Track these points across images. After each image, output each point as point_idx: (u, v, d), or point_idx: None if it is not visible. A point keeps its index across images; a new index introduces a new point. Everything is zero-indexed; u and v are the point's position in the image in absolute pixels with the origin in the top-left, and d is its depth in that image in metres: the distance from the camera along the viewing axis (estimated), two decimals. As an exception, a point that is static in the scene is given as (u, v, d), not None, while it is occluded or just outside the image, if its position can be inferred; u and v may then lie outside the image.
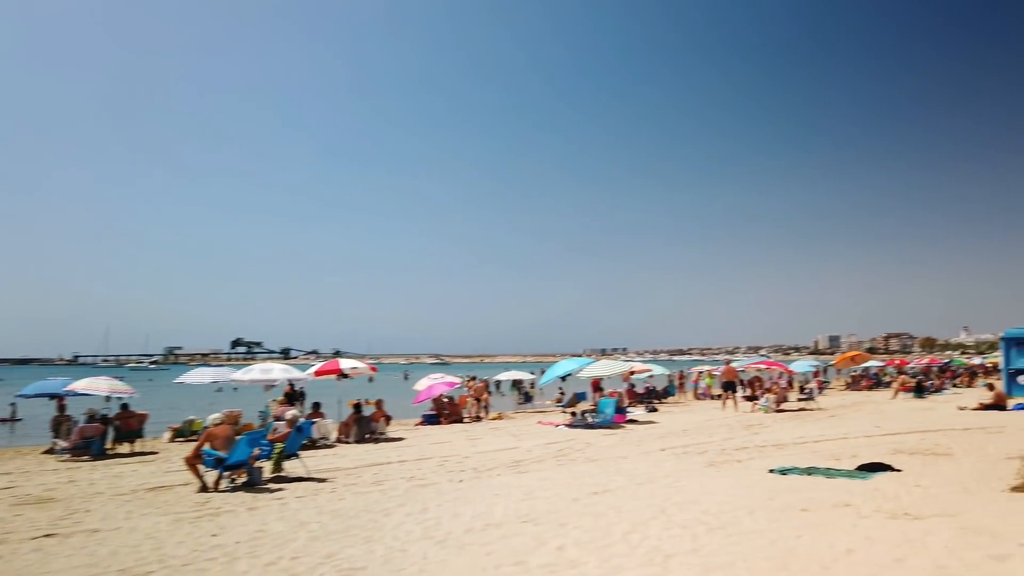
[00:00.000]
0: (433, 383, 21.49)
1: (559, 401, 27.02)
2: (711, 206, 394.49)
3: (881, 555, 5.47)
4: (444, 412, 20.77)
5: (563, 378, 20.85)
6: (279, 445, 10.82)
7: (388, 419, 16.84)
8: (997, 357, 57.21)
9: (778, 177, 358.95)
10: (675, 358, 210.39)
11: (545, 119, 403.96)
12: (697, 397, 31.85)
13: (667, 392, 31.33)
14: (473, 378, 42.68)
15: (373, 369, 19.90)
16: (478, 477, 10.26)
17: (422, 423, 20.37)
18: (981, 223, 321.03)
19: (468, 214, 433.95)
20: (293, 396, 20.64)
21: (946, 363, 49.73)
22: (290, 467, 11.09)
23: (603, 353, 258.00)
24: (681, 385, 33.40)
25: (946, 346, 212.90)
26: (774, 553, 5.66)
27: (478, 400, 23.33)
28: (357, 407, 16.31)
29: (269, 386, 18.23)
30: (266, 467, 10.80)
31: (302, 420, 11.62)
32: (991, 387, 20.61)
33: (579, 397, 25.54)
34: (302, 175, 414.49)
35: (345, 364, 18.55)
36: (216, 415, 10.76)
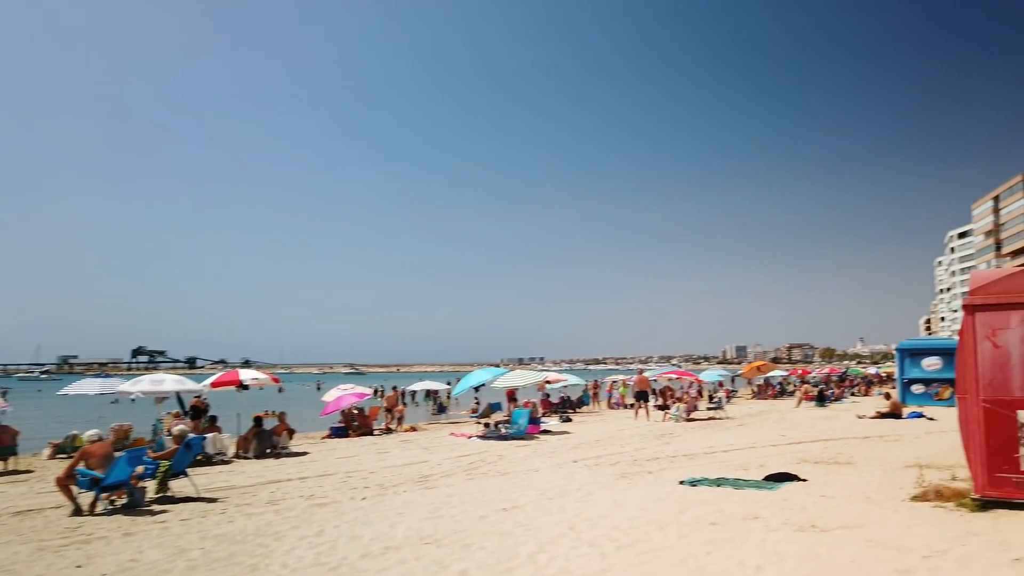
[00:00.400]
0: (342, 394, 20.69)
1: (475, 412, 26.59)
2: (626, 221, 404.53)
3: (791, 571, 5.32)
4: (353, 424, 20.00)
5: (477, 388, 20.46)
6: (165, 463, 9.95)
7: (291, 432, 15.98)
8: (891, 367, 60.52)
9: (686, 195, 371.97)
10: (591, 367, 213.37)
11: (457, 129, 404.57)
12: (611, 406, 32.08)
13: (582, 402, 31.40)
14: (383, 388, 41.87)
15: (276, 380, 18.93)
16: (382, 494, 9.72)
17: (330, 436, 19.54)
18: (876, 243, 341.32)
19: (382, 223, 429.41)
20: (200, 410, 19.49)
21: (844, 372, 52.17)
22: (178, 487, 10.21)
23: (520, 362, 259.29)
24: (595, 395, 33.56)
25: (844, 356, 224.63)
26: (684, 572, 5.43)
27: (390, 411, 22.64)
28: (257, 420, 15.41)
29: (161, 398, 17.00)
30: (151, 487, 9.92)
31: (191, 435, 10.74)
32: (888, 396, 21.53)
33: (493, 408, 25.21)
34: (208, 182, 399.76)
35: (245, 375, 17.56)
36: (93, 431, 9.83)
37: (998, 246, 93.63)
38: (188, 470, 10.79)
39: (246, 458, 14.73)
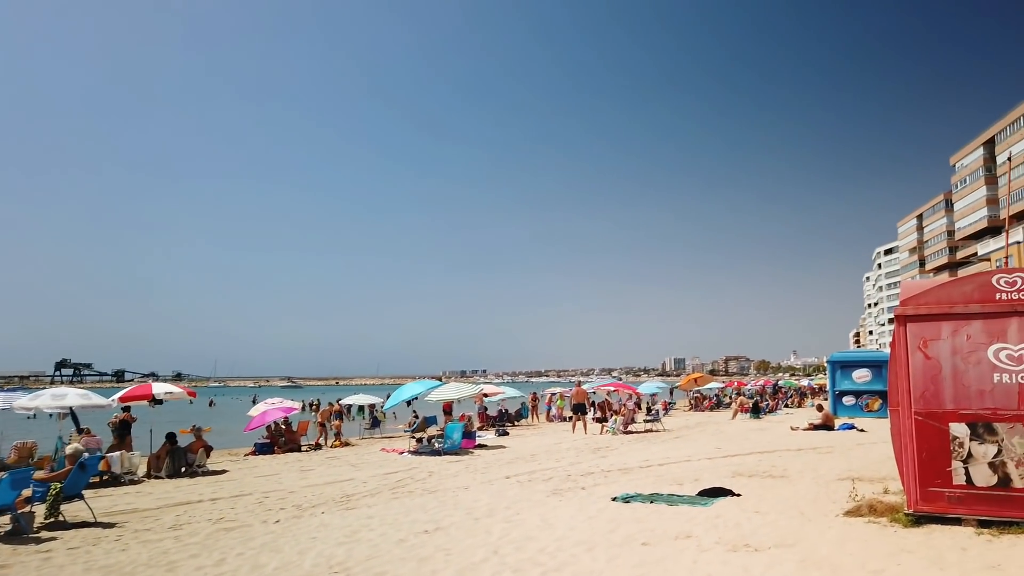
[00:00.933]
0: (268, 409, 19.75)
1: (411, 426, 25.85)
2: (566, 234, 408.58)
3: (723, 597, 4.98)
4: (279, 440, 19.10)
5: (409, 402, 19.81)
6: (56, 485, 9.07)
7: (208, 449, 15.04)
8: (823, 379, 62.08)
9: (628, 211, 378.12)
10: (533, 380, 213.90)
11: (406, 140, 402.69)
12: (549, 419, 31.78)
13: (520, 415, 31.01)
14: (318, 402, 40.71)
15: (191, 394, 17.90)
16: (298, 516, 9.05)
17: (253, 453, 18.61)
18: (808, 259, 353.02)
19: (321, 231, 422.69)
20: (129, 425, 18.32)
21: (776, 384, 53.21)
22: (73, 510, 9.34)
23: (462, 375, 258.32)
24: (535, 408, 33.22)
25: (778, 369, 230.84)
26: (610, 601, 5.02)
27: (323, 426, 21.77)
28: (171, 437, 14.45)
29: (63, 414, 15.81)
30: (40, 511, 9.02)
31: (86, 455, 9.86)
32: (820, 408, 21.79)
33: (429, 421, 24.53)
34: (138, 189, 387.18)
35: (158, 388, 16.51)
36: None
37: (922, 262, 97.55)
38: (89, 492, 9.93)
39: (158, 477, 13.77)
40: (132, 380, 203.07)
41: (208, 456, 14.97)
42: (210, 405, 63.01)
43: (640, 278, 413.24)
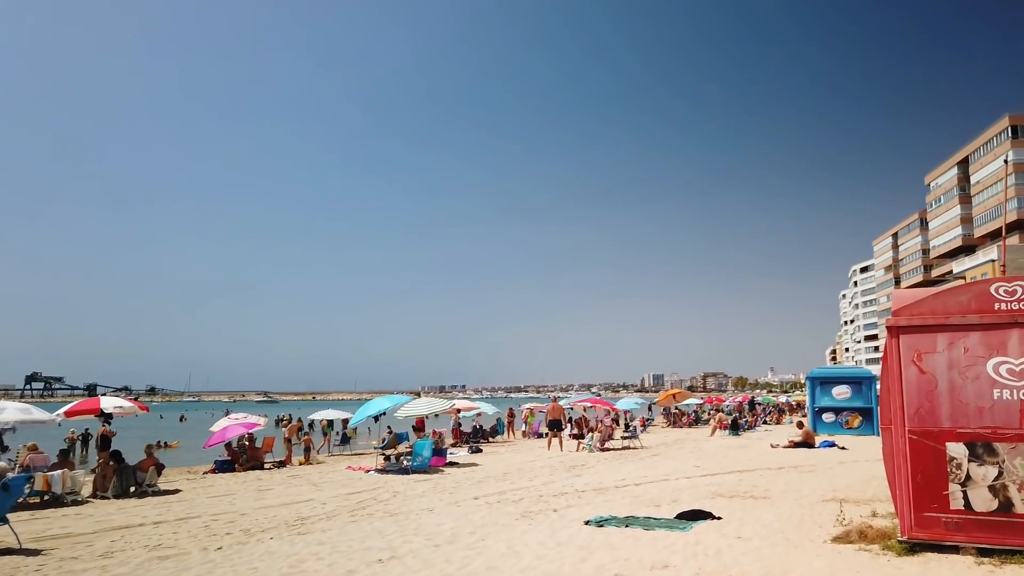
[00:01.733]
0: (231, 424, 18.92)
1: (383, 442, 25.01)
2: (547, 250, 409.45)
3: (704, 642, 4.37)
4: (241, 458, 18.25)
5: (376, 418, 19.06)
6: (-24, 509, 8.27)
7: (160, 467, 14.17)
8: (800, 395, 61.98)
9: (608, 228, 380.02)
10: (512, 395, 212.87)
11: (385, 154, 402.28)
12: (525, 436, 31.10)
13: (496, 431, 30.30)
14: (290, 417, 39.62)
15: (143, 408, 17.07)
16: (243, 543, 8.32)
17: (213, 471, 17.74)
18: (786, 276, 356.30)
19: (299, 246, 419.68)
20: (108, 439, 17.59)
21: (753, 400, 52.93)
22: (-3, 536, 8.55)
23: (442, 390, 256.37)
24: (511, 423, 32.53)
25: (756, 385, 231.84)
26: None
27: (289, 442, 20.93)
28: (116, 455, 13.61)
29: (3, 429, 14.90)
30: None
31: (10, 475, 9.06)
32: (800, 425, 21.33)
33: (401, 438, 23.72)
34: (112, 202, 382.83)
35: (107, 403, 15.64)
36: None
37: (897, 280, 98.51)
38: (25, 514, 9.13)
39: (104, 498, 12.91)
40: (104, 394, 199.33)
41: (160, 474, 14.11)
42: (181, 420, 61.62)
43: (619, 294, 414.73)
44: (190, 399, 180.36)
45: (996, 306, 6.51)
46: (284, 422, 37.24)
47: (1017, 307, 6.40)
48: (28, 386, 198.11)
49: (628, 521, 8.73)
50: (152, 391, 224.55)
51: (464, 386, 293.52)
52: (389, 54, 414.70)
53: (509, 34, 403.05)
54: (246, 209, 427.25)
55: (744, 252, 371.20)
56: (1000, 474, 6.16)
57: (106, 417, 15.34)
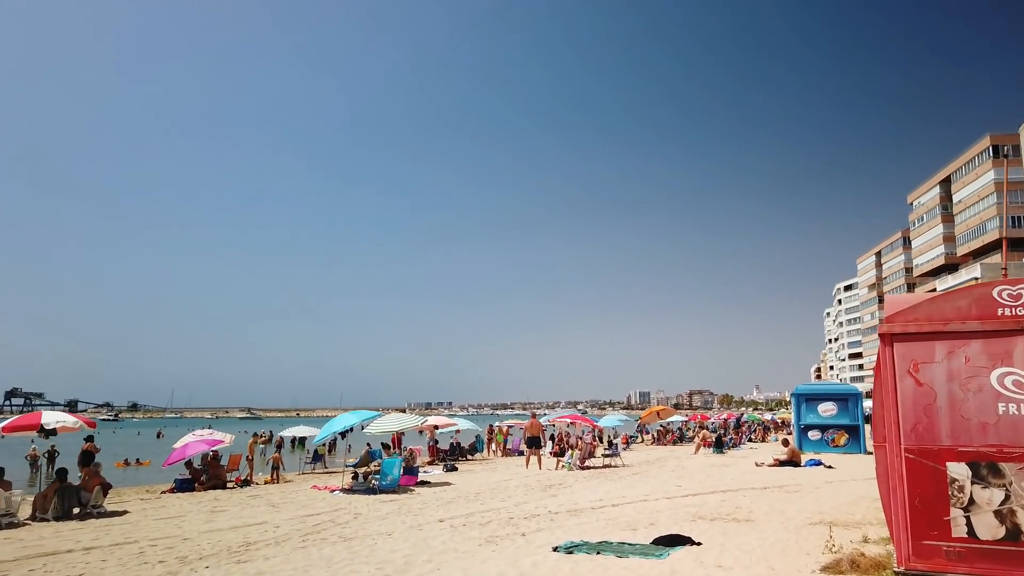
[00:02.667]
0: (193, 440, 18.02)
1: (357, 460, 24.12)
2: (533, 268, 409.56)
3: None
4: (202, 476, 17.35)
5: (342, 434, 18.23)
6: None
7: (106, 487, 13.26)
8: (786, 413, 61.49)
9: (594, 245, 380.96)
10: (498, 412, 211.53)
11: (373, 169, 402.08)
12: (506, 453, 30.25)
13: (475, 448, 29.45)
14: (267, 434, 38.54)
15: (91, 424, 16.17)
16: (174, 572, 7.52)
17: (172, 490, 16.83)
18: (769, 294, 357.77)
19: (281, 261, 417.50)
20: (91, 455, 17.11)
21: (739, 418, 52.39)
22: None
23: (428, 407, 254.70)
24: (490, 440, 31.69)
25: (741, 403, 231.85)
26: None
27: (250, 460, 20.05)
28: (60, 473, 12.74)
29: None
30: None
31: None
32: (786, 443, 20.72)
33: (374, 455, 22.88)
34: (96, 217, 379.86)
35: (49, 418, 14.69)
36: None
37: (880, 299, 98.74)
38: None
39: (44, 519, 12.00)
40: (85, 410, 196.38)
41: (106, 494, 13.20)
42: (158, 436, 60.21)
43: (606, 312, 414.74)
44: (172, 415, 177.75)
45: (1000, 311, 5.90)
46: (261, 439, 36.16)
47: (1023, 312, 5.81)
48: (8, 402, 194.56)
49: (600, 547, 8.02)
50: (134, 407, 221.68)
51: (450, 403, 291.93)
52: (379, 63, 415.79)
53: (504, 45, 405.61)
54: (230, 225, 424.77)
55: (730, 271, 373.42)
56: (1007, 498, 5.52)
57: (47, 433, 14.43)
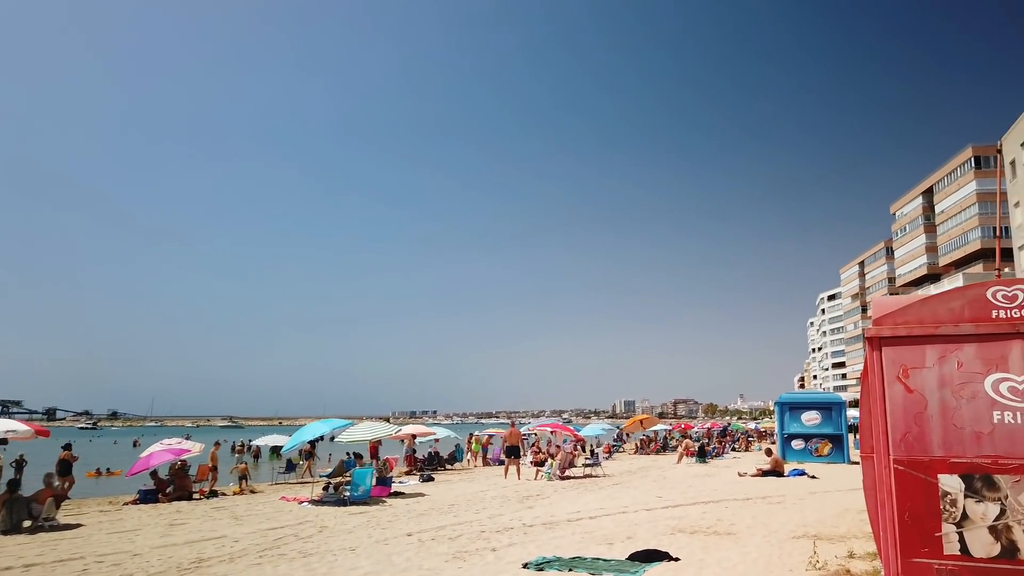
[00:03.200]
0: (159, 449, 17.41)
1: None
2: (523, 278, 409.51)
3: None
4: (167, 487, 16.72)
5: (313, 443, 17.66)
6: None
7: (60, 499, 12.65)
8: (769, 422, 61.32)
9: (584, 255, 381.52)
10: (483, 421, 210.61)
11: (360, 175, 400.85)
12: (487, 463, 29.75)
13: (454, 458, 28.92)
14: (245, 443, 37.78)
15: (43, 433, 15.56)
16: (115, 592, 7.00)
17: (135, 501, 16.19)
18: (754, 304, 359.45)
19: (270, 270, 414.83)
20: (69, 464, 17.42)
21: (725, 427, 52.16)
22: None
23: (412, 415, 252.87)
24: (470, 449, 31.18)
25: (725, 412, 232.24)
26: None
27: (214, 469, 19.43)
28: (11, 484, 12.14)
29: None
30: None
31: None
32: (769, 452, 20.37)
33: (347, 465, 22.27)
34: (77, 224, 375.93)
35: (-3, 426, 14.08)
36: None
37: (864, 308, 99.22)
38: None
39: (-8, 534, 11.39)
40: (63, 418, 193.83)
41: (58, 506, 12.58)
42: (135, 445, 59.07)
43: (592, 322, 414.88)
44: (152, 424, 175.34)
45: (994, 313, 5.53)
46: (240, 449, 35.36)
47: (1019, 315, 5.44)
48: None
49: (573, 563, 7.57)
50: (114, 415, 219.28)
51: (435, 411, 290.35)
52: (373, 68, 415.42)
53: (501, 50, 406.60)
54: (216, 233, 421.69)
55: (716, 281, 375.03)
56: (1003, 512, 5.12)
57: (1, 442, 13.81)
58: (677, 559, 7.67)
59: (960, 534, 5.19)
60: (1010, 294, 5.57)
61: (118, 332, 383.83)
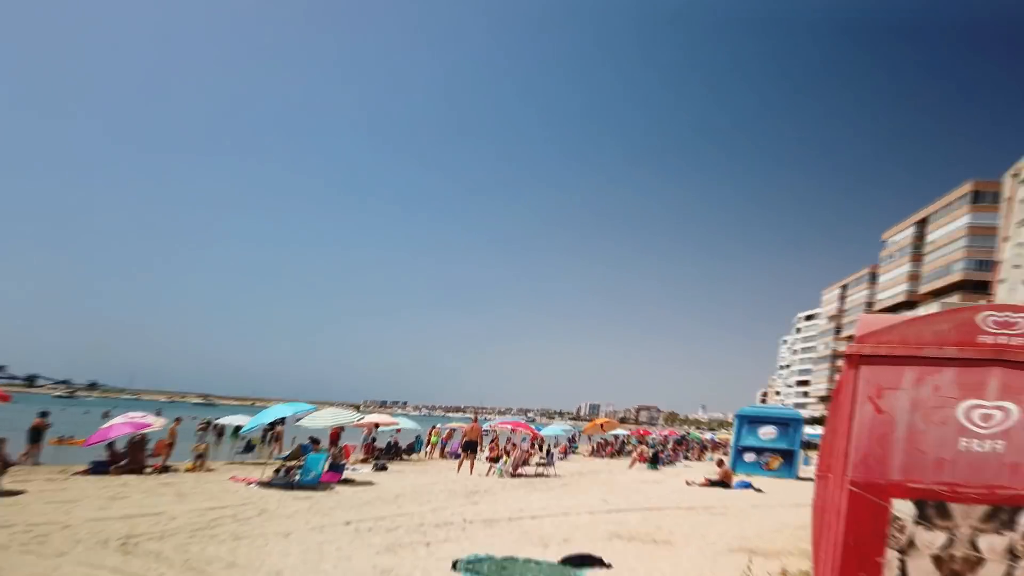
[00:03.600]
0: (119, 422, 17.07)
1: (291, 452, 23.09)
2: (489, 274, 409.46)
3: None
4: (121, 459, 16.31)
5: (273, 425, 17.34)
6: None
7: (6, 464, 12.18)
8: (726, 434, 61.89)
9: (561, 259, 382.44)
10: (450, 415, 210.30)
11: (362, 177, 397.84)
12: (444, 456, 29.55)
13: (412, 448, 28.67)
14: (207, 422, 37.01)
15: (4, 398, 15.16)
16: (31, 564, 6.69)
17: (86, 471, 15.74)
18: (726, 316, 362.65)
19: (245, 251, 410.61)
20: (40, 431, 17.81)
21: (682, 436, 52.48)
22: None
23: (382, 405, 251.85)
24: (430, 442, 30.96)
25: (685, 421, 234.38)
26: None
27: (170, 445, 18.99)
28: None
29: None
30: None
31: None
32: (720, 463, 20.46)
33: (304, 449, 21.91)
34: (64, 199, 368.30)
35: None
36: None
37: (838, 330, 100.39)
38: None
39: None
40: (43, 386, 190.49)
41: (4, 472, 12.10)
42: (104, 416, 57.89)
43: (563, 324, 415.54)
44: (128, 397, 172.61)
45: (980, 339, 5.37)
46: (203, 426, 34.57)
47: (1006, 341, 5.26)
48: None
49: (504, 564, 7.41)
50: (93, 386, 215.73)
51: (405, 402, 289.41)
52: (377, 69, 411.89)
53: (499, 55, 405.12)
54: (207, 214, 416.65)
55: (694, 291, 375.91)
56: (950, 543, 5.00)
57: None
58: (609, 565, 7.56)
59: (902, 561, 5.03)
60: (1000, 319, 5.34)
61: (106, 304, 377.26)
